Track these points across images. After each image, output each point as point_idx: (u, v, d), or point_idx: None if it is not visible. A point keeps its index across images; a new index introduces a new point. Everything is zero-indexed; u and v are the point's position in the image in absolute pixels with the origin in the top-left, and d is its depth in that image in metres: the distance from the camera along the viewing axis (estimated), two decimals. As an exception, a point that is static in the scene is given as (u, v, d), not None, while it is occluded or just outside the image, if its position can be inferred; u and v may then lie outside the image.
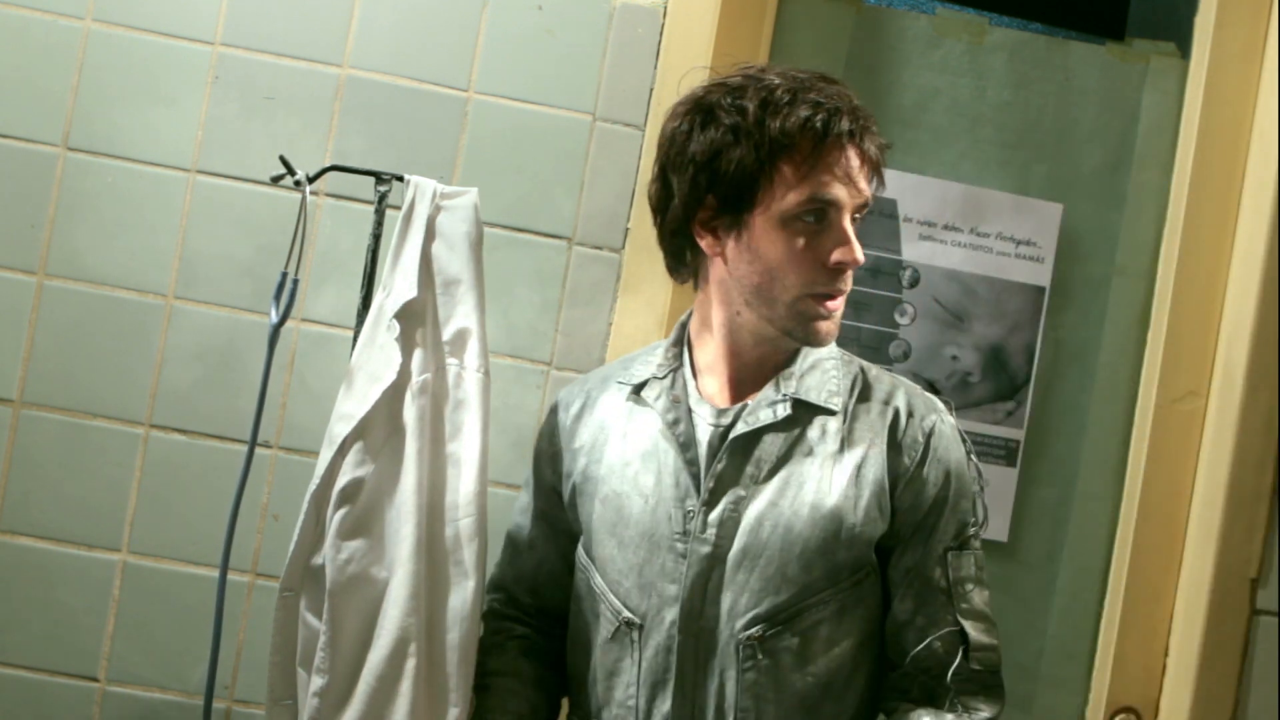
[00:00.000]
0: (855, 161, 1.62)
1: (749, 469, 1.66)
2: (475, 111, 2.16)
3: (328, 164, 1.95)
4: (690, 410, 1.70)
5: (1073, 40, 2.31)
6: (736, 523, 1.64)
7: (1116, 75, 2.30)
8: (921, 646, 1.67)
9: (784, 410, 1.67)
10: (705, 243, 1.66)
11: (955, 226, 2.27)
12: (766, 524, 1.64)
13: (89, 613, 2.12)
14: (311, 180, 1.84)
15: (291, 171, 1.83)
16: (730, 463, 1.66)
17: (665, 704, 1.66)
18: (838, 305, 1.66)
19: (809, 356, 1.71)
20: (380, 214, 1.82)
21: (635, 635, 1.68)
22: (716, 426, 1.68)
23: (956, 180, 2.27)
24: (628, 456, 1.71)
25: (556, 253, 2.16)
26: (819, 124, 1.60)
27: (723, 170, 1.61)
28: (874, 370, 1.75)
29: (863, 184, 1.63)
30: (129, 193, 2.13)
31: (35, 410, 2.12)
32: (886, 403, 1.70)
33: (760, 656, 1.63)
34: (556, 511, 1.82)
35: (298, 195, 1.91)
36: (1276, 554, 2.14)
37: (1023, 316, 2.26)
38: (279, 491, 2.13)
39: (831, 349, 1.72)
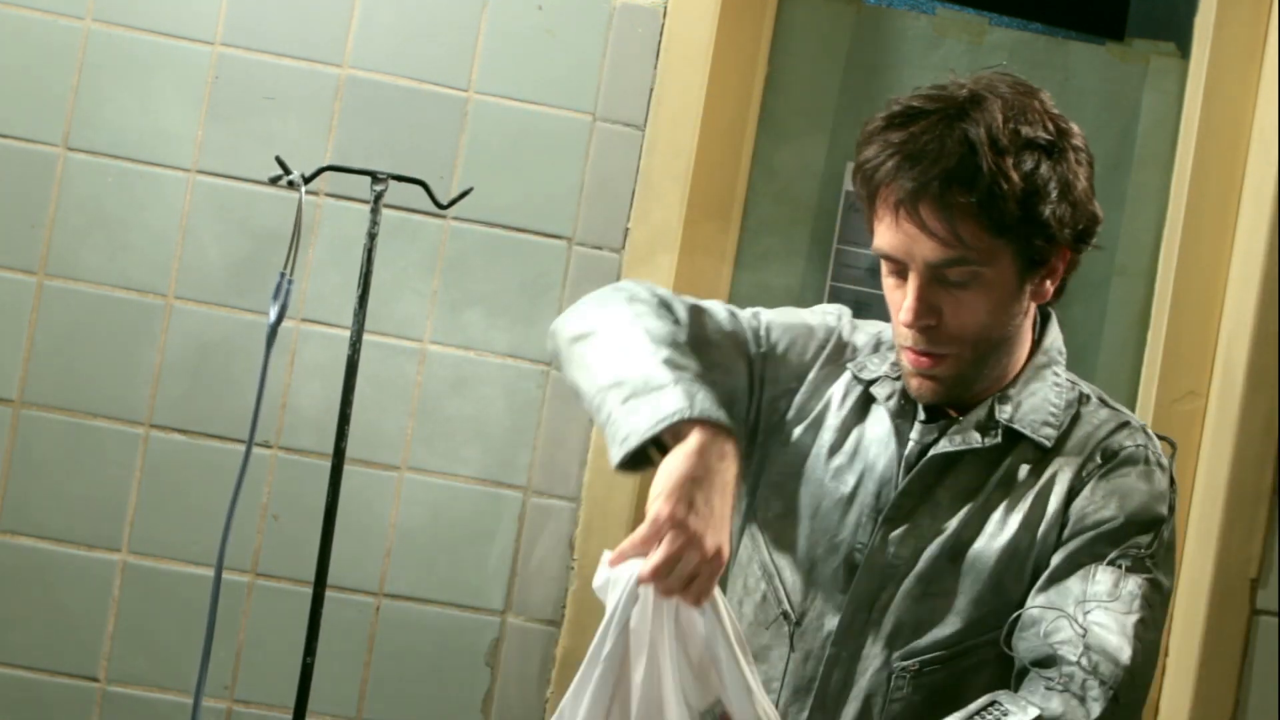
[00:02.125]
0: (926, 217, 1.43)
1: (941, 491, 1.53)
2: (475, 111, 2.16)
3: (329, 164, 1.95)
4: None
5: (1073, 40, 2.31)
6: (919, 546, 1.52)
7: (1116, 75, 2.29)
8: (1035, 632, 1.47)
9: (994, 438, 1.52)
10: None
11: (955, 226, 2.26)
12: (948, 552, 1.51)
13: (89, 613, 2.12)
14: (307, 180, 1.84)
15: (288, 171, 1.83)
16: (922, 481, 1.53)
17: (803, 714, 1.54)
18: (924, 364, 1.50)
19: (1030, 377, 1.55)
20: (376, 213, 1.82)
21: (790, 630, 1.56)
22: (917, 441, 1.55)
23: (956, 180, 2.27)
24: (839, 446, 1.59)
25: (556, 253, 2.16)
26: (879, 172, 1.45)
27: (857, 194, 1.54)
28: (1094, 400, 1.59)
29: (936, 243, 1.43)
30: (129, 193, 2.13)
31: (35, 410, 2.12)
32: (1093, 437, 1.55)
33: (911, 691, 1.51)
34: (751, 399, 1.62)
35: (297, 195, 1.91)
36: (1276, 554, 2.14)
37: (1023, 316, 2.26)
38: (279, 492, 2.13)
39: (1056, 369, 1.58)
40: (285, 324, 2.11)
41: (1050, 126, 1.48)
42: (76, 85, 2.12)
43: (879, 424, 1.58)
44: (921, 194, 1.42)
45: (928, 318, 1.47)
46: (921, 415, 1.56)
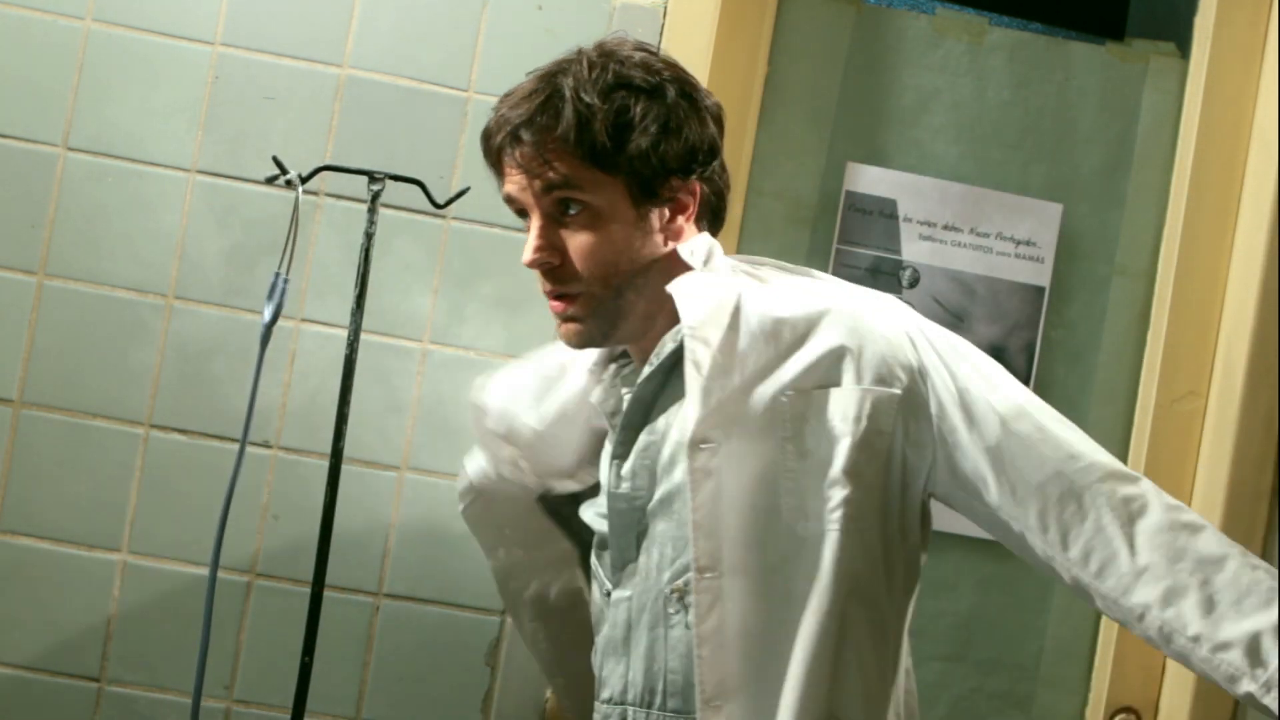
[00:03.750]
0: (523, 157, 1.54)
1: (656, 414, 1.59)
2: (475, 111, 2.16)
3: (327, 164, 1.95)
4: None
5: (1073, 40, 2.31)
6: (651, 470, 1.57)
7: (1116, 75, 2.29)
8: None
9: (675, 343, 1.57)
10: None
11: (955, 226, 2.26)
12: (678, 466, 1.54)
13: (89, 613, 2.12)
14: (304, 180, 1.84)
15: (285, 171, 1.83)
16: (636, 412, 1.60)
17: (605, 665, 1.61)
18: (559, 307, 1.58)
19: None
20: (373, 212, 1.82)
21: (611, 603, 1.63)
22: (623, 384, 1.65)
23: (956, 180, 2.27)
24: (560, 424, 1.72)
25: (556, 253, 2.16)
26: (492, 136, 1.58)
27: None
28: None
29: (537, 178, 1.54)
30: (129, 193, 2.13)
31: (35, 410, 2.12)
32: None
33: (684, 613, 1.53)
34: None
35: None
36: (1276, 554, 2.14)
37: (1023, 316, 2.26)
38: (278, 491, 2.13)
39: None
40: (283, 324, 2.11)
41: (644, 72, 1.54)
42: (76, 85, 2.13)
43: (576, 381, 1.68)
44: (518, 136, 1.53)
45: (549, 256, 1.54)
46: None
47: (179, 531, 2.12)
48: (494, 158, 1.59)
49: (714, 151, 1.58)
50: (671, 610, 1.54)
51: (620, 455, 1.61)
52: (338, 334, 2.13)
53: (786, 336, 1.51)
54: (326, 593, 1.85)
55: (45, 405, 2.12)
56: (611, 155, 1.51)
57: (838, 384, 1.50)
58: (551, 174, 1.52)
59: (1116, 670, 2.20)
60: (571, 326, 1.57)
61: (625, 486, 1.59)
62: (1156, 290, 2.25)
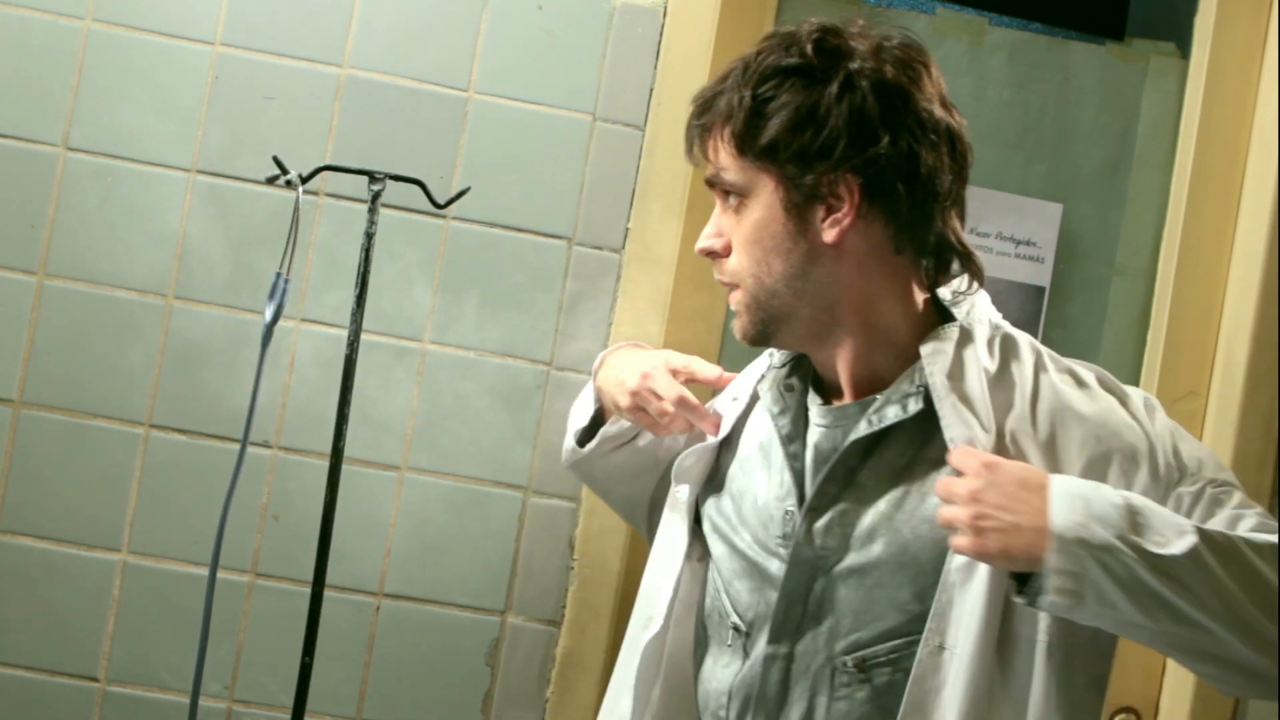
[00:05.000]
0: (692, 142, 1.55)
1: (865, 473, 1.50)
2: (475, 111, 2.16)
3: (327, 164, 1.95)
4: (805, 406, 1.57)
5: (1073, 40, 2.31)
6: (845, 533, 1.48)
7: (1116, 75, 2.29)
8: None
9: (917, 404, 1.47)
10: None
11: (955, 226, 2.26)
12: (878, 536, 1.46)
13: (89, 613, 2.12)
14: (305, 180, 1.84)
15: (285, 171, 1.83)
16: (845, 465, 1.50)
17: (747, 716, 1.52)
18: (732, 300, 1.55)
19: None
20: (374, 213, 1.82)
21: (743, 643, 1.55)
22: (823, 425, 1.54)
23: (956, 180, 2.27)
24: (748, 452, 1.63)
25: (556, 253, 2.16)
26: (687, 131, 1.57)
27: None
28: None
29: (704, 164, 1.54)
30: (129, 193, 2.13)
31: (35, 410, 2.12)
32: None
33: (857, 689, 1.46)
34: None
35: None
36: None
37: (1023, 316, 2.26)
38: (278, 491, 2.13)
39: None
40: (284, 324, 2.11)
41: (811, 52, 1.47)
42: (76, 85, 2.13)
43: (763, 417, 1.61)
44: (691, 122, 1.54)
45: (710, 240, 1.54)
46: (818, 401, 1.57)
47: (179, 531, 2.12)
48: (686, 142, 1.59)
49: (866, 140, 1.45)
50: (841, 681, 1.47)
51: (816, 509, 1.51)
52: (338, 334, 2.13)
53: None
54: (326, 593, 1.86)
55: (45, 405, 2.12)
56: (751, 142, 1.47)
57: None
58: (711, 164, 1.53)
59: (1117, 670, 2.18)
60: (739, 322, 1.55)
61: (818, 544, 1.50)
62: (1156, 290, 2.25)
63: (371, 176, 1.85)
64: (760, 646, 1.52)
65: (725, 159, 1.50)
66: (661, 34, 2.17)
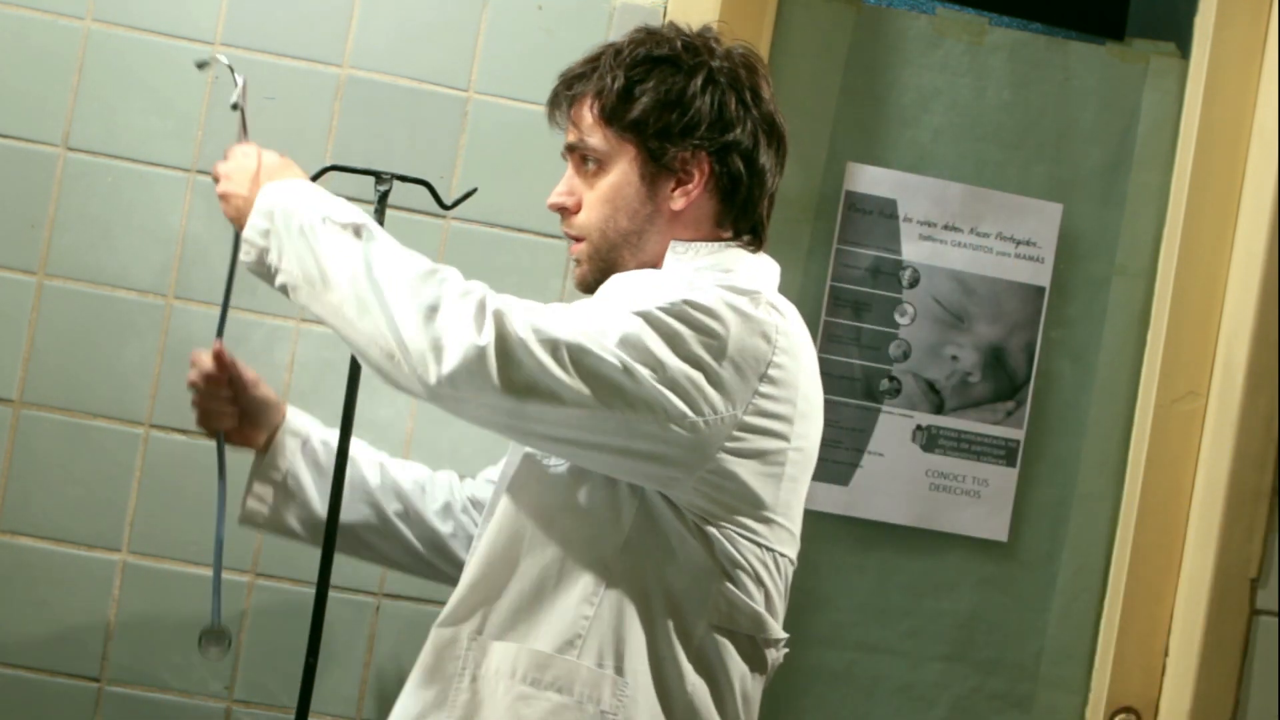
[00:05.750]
0: (557, 108, 1.75)
1: None
2: (475, 111, 2.16)
3: (328, 164, 1.95)
4: None
5: (1073, 40, 2.31)
6: None
7: (1116, 75, 2.30)
8: None
9: None
10: None
11: (955, 226, 2.27)
12: None
13: (89, 613, 2.12)
14: (312, 180, 1.84)
15: (289, 171, 1.83)
16: None
17: None
18: (575, 250, 1.73)
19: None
20: (380, 213, 1.82)
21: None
22: None
23: (956, 180, 2.27)
24: None
25: (556, 253, 2.16)
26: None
27: None
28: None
29: (568, 127, 1.73)
30: (129, 193, 2.13)
31: (35, 410, 2.12)
32: None
33: None
34: None
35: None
36: (1276, 554, 2.14)
37: (1023, 316, 2.27)
38: (279, 491, 2.13)
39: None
40: (284, 324, 2.11)
41: (679, 48, 1.69)
42: (76, 85, 2.12)
43: None
44: (559, 91, 1.74)
45: (561, 198, 1.72)
46: None
47: (179, 531, 2.12)
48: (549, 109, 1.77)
49: (723, 128, 1.67)
50: None
51: None
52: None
53: None
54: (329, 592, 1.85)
55: (45, 405, 2.12)
56: (620, 116, 1.66)
57: None
58: (575, 129, 1.71)
59: (1116, 670, 2.21)
60: (578, 271, 1.73)
61: None
62: (1156, 290, 2.26)
63: (378, 177, 1.84)
64: None
65: (590, 127, 1.69)
66: (662, 34, 2.17)
